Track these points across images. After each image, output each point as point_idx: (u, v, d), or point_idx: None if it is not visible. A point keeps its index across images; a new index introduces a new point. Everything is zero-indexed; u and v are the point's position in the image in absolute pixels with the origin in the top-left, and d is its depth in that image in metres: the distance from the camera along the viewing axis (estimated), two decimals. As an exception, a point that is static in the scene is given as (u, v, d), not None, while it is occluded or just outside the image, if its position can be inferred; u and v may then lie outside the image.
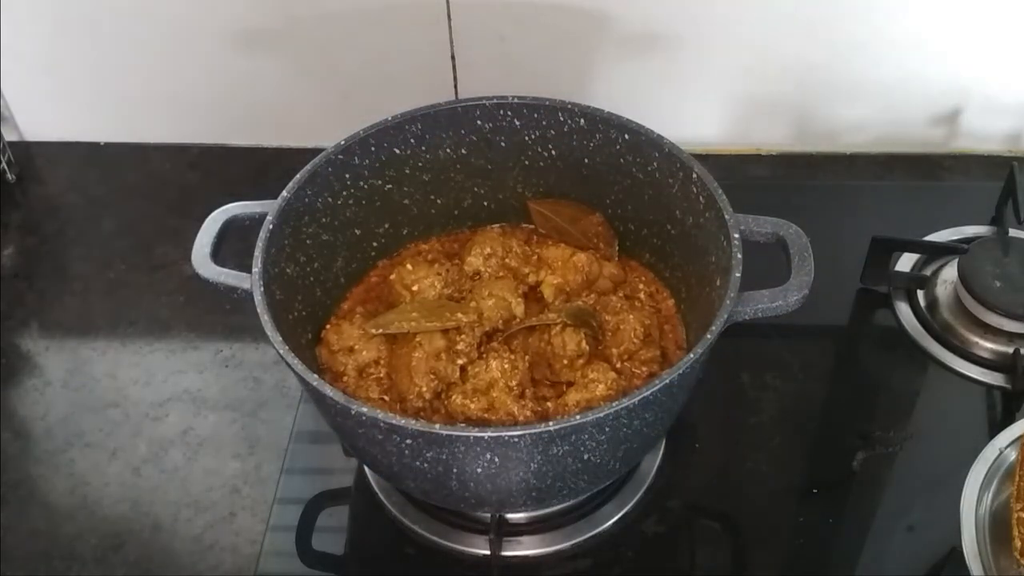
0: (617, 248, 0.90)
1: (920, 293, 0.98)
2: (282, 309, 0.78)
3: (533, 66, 1.08)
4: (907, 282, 0.99)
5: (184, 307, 1.01)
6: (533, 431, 0.66)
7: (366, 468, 0.87)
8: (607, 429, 0.70)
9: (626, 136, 0.85)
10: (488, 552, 0.81)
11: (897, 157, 1.14)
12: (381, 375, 0.82)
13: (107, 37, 1.09)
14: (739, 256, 0.75)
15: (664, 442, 0.88)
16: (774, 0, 1.02)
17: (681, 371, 0.70)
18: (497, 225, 0.94)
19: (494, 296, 0.84)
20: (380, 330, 0.82)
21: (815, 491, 0.87)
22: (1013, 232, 0.98)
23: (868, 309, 0.99)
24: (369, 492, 0.86)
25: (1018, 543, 0.74)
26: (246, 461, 0.89)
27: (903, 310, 0.97)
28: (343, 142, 0.85)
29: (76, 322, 1.01)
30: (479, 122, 0.88)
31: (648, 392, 0.68)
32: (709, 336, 0.71)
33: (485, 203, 0.94)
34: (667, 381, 0.69)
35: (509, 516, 0.83)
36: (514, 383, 0.78)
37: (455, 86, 1.10)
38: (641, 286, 0.89)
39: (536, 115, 0.88)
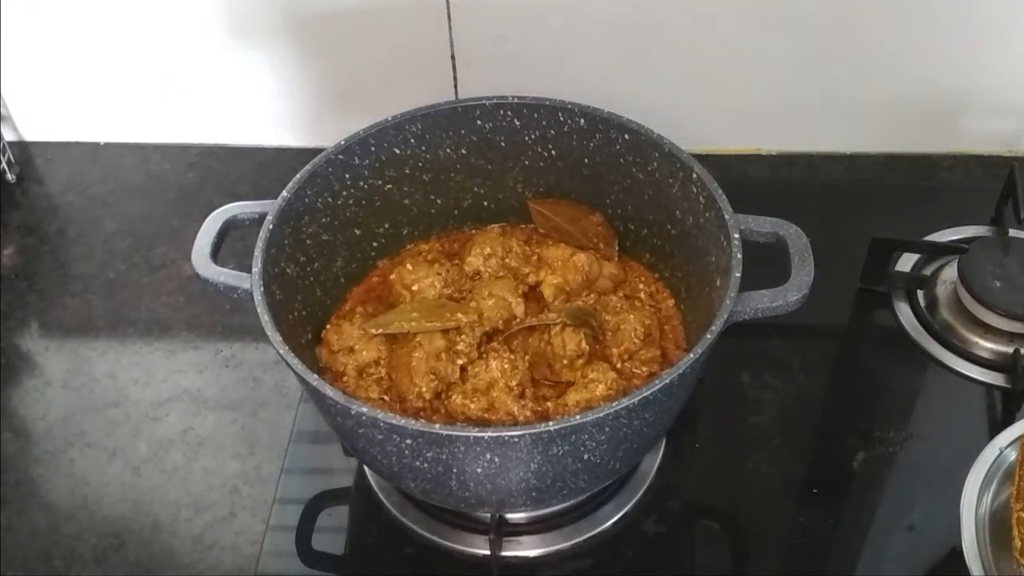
0: (617, 248, 0.90)
1: (920, 293, 0.98)
2: (282, 309, 0.78)
3: (533, 66, 1.08)
4: (907, 282, 0.99)
5: (184, 307, 1.01)
6: (533, 431, 0.66)
7: (366, 468, 0.87)
8: (607, 429, 0.70)
9: (626, 136, 0.85)
10: (488, 552, 0.81)
11: (897, 157, 1.14)
12: (381, 375, 0.82)
13: (107, 37, 1.09)
14: (739, 256, 0.75)
15: (664, 442, 0.88)
16: (773, 1, 1.02)
17: (681, 371, 0.70)
18: (497, 225, 0.94)
19: (494, 296, 0.84)
20: (380, 330, 0.82)
21: (815, 491, 0.87)
22: (1013, 232, 0.98)
23: (868, 309, 0.99)
24: (369, 492, 0.86)
25: (1018, 543, 0.74)
26: (246, 461, 0.89)
27: (903, 310, 0.97)
28: (343, 142, 0.85)
29: (76, 322, 1.01)
30: (479, 122, 0.88)
31: (648, 392, 0.68)
32: (709, 336, 0.71)
33: (485, 203, 0.94)
34: (667, 381, 0.69)
35: (509, 516, 0.83)
36: (514, 383, 0.78)
37: (455, 86, 1.10)
38: (641, 286, 0.89)
39: (536, 115, 0.88)
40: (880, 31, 1.04)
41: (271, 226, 0.79)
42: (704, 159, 0.82)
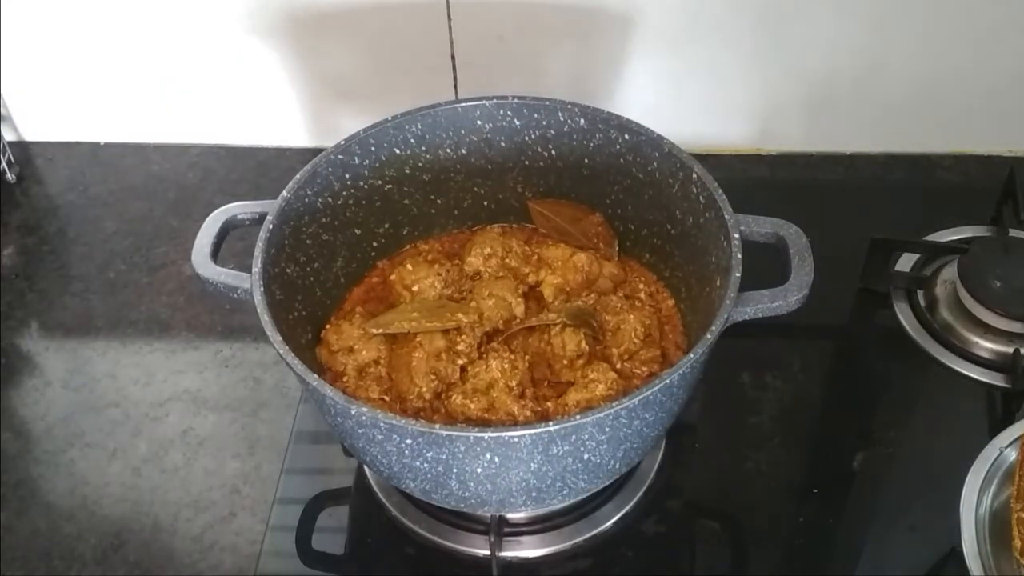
0: (617, 248, 0.90)
1: (920, 293, 0.98)
2: (282, 309, 0.78)
3: (533, 66, 1.08)
4: (907, 282, 0.99)
5: (184, 307, 1.01)
6: (533, 431, 0.66)
7: (366, 468, 0.87)
8: (607, 429, 0.70)
9: (626, 136, 0.85)
10: (488, 552, 0.81)
11: (897, 157, 1.14)
12: (381, 375, 0.82)
13: (107, 37, 1.09)
14: (739, 256, 0.75)
15: (664, 442, 0.88)
16: (773, 1, 1.02)
17: (681, 371, 0.70)
18: (497, 225, 0.94)
19: (494, 296, 0.84)
20: (380, 330, 0.82)
21: (815, 491, 0.87)
22: (1013, 232, 0.98)
23: (868, 309, 0.99)
24: (369, 492, 0.86)
25: (1018, 543, 0.74)
26: (246, 461, 0.89)
27: (903, 310, 0.97)
28: (343, 142, 0.85)
29: (76, 322, 1.01)
30: (479, 122, 0.88)
31: (648, 392, 0.68)
32: (709, 336, 0.71)
33: (485, 203, 0.94)
34: (667, 381, 0.69)
35: (509, 516, 0.83)
36: (514, 383, 0.78)
37: (455, 86, 1.10)
38: (641, 286, 0.89)
39: (536, 115, 0.88)
40: (880, 31, 1.04)
41: (271, 226, 0.79)
42: (704, 159, 0.82)
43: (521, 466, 0.70)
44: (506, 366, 0.79)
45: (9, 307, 1.02)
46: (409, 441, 0.69)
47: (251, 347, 0.97)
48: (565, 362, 0.80)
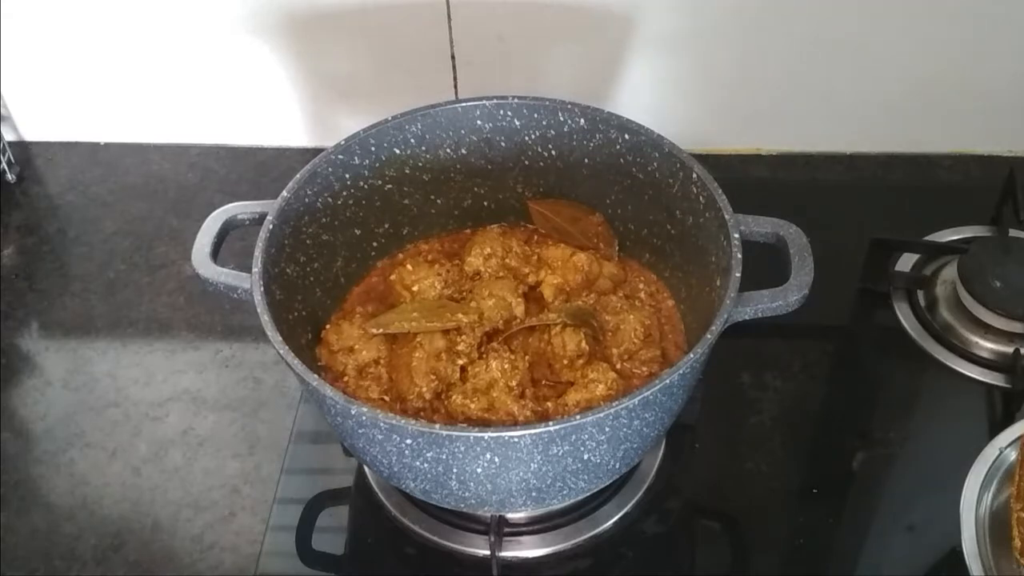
0: (617, 248, 0.90)
1: (920, 293, 0.98)
2: (282, 309, 0.78)
3: (533, 66, 1.08)
4: (907, 282, 0.99)
5: (184, 307, 1.01)
6: (533, 431, 0.66)
7: (366, 468, 0.87)
8: (607, 429, 0.70)
9: (626, 136, 0.85)
10: (488, 552, 0.81)
11: (897, 157, 1.14)
12: (381, 375, 0.82)
13: (107, 37, 1.09)
14: (739, 256, 0.75)
15: (664, 442, 0.88)
16: (772, 1, 1.02)
17: (681, 371, 0.70)
18: (497, 225, 0.94)
19: (494, 296, 0.84)
20: (380, 330, 0.82)
21: (815, 491, 0.87)
22: (1013, 232, 0.98)
23: (868, 309, 0.99)
24: (369, 492, 0.86)
25: (1018, 543, 0.74)
26: (246, 461, 0.89)
27: (903, 310, 0.97)
28: (343, 142, 0.85)
29: (76, 322, 1.01)
30: (479, 122, 0.88)
31: (648, 392, 0.68)
32: (709, 336, 0.71)
33: (485, 203, 0.94)
34: (667, 381, 0.69)
35: (509, 516, 0.83)
36: (514, 383, 0.78)
37: (455, 86, 1.10)
38: (641, 286, 0.89)
39: (536, 115, 0.88)
40: (880, 31, 1.04)
41: (271, 226, 0.79)
42: (704, 159, 0.82)
43: (521, 466, 0.70)
44: (506, 366, 0.79)
45: (9, 307, 1.02)
46: (409, 441, 0.69)
47: (251, 347, 0.97)
48: (565, 362, 0.80)
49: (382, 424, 0.68)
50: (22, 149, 1.18)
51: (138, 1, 1.06)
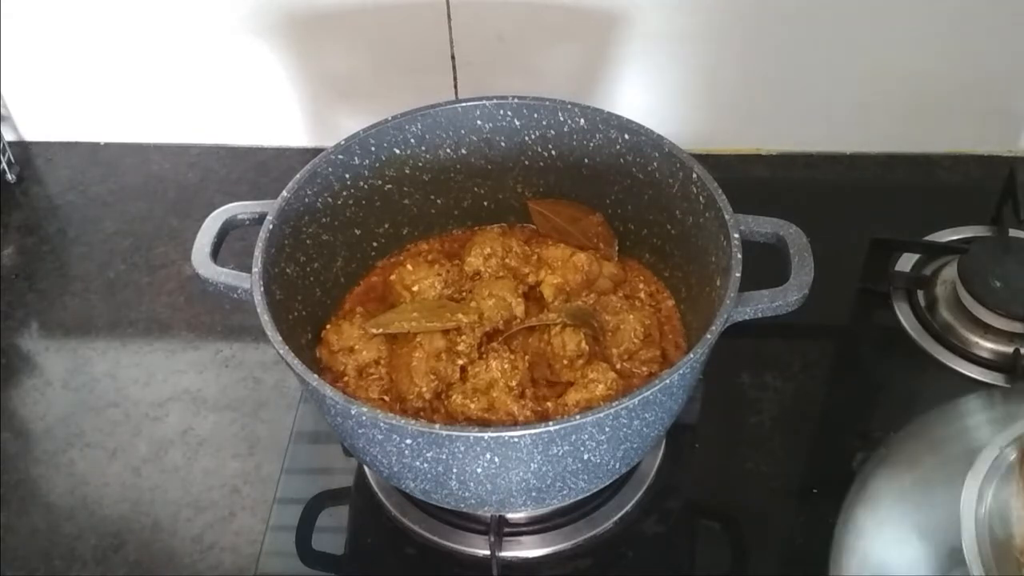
0: (617, 248, 0.90)
1: (920, 293, 0.98)
2: (282, 309, 0.78)
3: (533, 66, 1.08)
4: (907, 282, 0.99)
5: (184, 307, 1.01)
6: (533, 431, 0.66)
7: (366, 468, 0.87)
8: (607, 429, 0.70)
9: (626, 136, 0.85)
10: (488, 552, 0.81)
11: (897, 157, 1.14)
12: (381, 375, 0.82)
13: (107, 37, 1.09)
14: (739, 256, 0.75)
15: (664, 442, 0.88)
16: (772, 2, 1.02)
17: (681, 371, 0.70)
18: (497, 225, 0.94)
19: (494, 296, 0.84)
20: (380, 330, 0.82)
21: (815, 491, 0.87)
22: (1013, 232, 0.98)
23: (868, 309, 0.99)
24: (369, 492, 0.86)
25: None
26: (246, 461, 0.89)
27: (903, 310, 0.97)
28: (343, 142, 0.85)
29: (76, 322, 1.01)
30: (479, 122, 0.88)
31: (648, 392, 0.68)
32: (709, 336, 0.71)
33: (485, 203, 0.94)
34: (667, 381, 0.69)
35: (509, 516, 0.83)
36: (514, 383, 0.78)
37: (455, 86, 1.10)
38: (641, 286, 0.89)
39: (536, 115, 0.88)
40: (880, 31, 1.04)
41: (271, 226, 0.79)
42: (704, 159, 0.82)
43: (521, 466, 0.70)
44: (506, 366, 0.79)
45: (9, 307, 1.02)
46: (409, 441, 0.69)
47: (251, 347, 0.97)
48: (565, 362, 0.80)
49: (382, 424, 0.68)
50: (22, 149, 1.18)
51: (138, 1, 1.06)
